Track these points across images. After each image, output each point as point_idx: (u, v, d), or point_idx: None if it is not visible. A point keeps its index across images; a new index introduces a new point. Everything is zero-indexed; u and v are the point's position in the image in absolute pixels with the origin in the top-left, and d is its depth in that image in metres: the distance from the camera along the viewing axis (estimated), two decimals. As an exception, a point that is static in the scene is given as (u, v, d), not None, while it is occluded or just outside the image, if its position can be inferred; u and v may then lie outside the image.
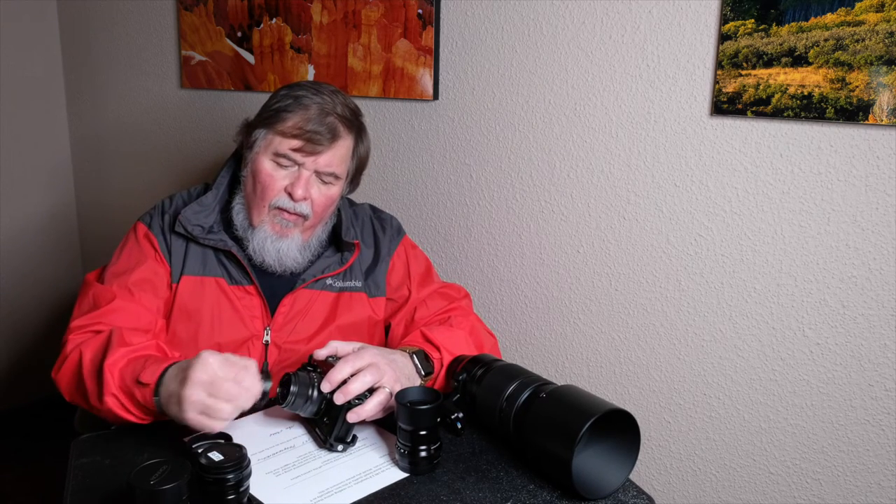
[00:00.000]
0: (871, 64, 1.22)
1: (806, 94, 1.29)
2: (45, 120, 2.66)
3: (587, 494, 1.00)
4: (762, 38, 1.32)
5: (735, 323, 1.45)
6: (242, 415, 1.11)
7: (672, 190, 1.48)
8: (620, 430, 1.03)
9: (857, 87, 1.24)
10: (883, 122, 1.23)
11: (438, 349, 1.29)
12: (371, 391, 1.13)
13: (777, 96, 1.32)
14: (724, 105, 1.38)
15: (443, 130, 1.78)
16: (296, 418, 1.21)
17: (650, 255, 1.53)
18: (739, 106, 1.36)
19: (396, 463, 1.09)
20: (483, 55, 1.67)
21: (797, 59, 1.29)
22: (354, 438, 1.14)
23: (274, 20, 1.98)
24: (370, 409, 1.11)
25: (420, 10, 1.71)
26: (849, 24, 1.24)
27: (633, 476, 1.06)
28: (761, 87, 1.33)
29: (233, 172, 1.44)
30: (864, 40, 1.23)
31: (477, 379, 1.18)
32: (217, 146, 2.26)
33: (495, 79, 1.67)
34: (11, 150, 2.59)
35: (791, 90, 1.31)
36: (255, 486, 1.01)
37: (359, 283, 1.45)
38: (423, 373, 1.25)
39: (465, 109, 1.73)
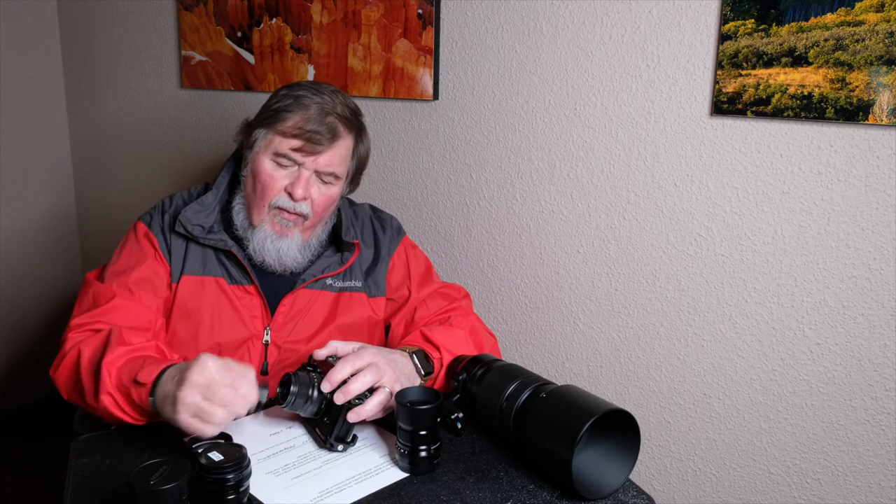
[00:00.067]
0: (871, 64, 1.22)
1: (806, 94, 1.29)
2: (45, 120, 2.66)
3: (587, 494, 1.00)
4: (762, 38, 1.32)
5: (735, 323, 1.45)
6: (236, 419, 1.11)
7: (672, 190, 1.48)
8: (620, 430, 1.03)
9: (857, 87, 1.24)
10: (883, 122, 1.23)
11: (438, 349, 1.29)
12: (371, 391, 1.13)
13: (777, 96, 1.32)
14: (724, 105, 1.38)
15: (443, 130, 1.78)
16: (296, 418, 1.21)
17: (650, 255, 1.53)
18: (739, 106, 1.36)
19: (396, 463, 1.09)
20: (483, 55, 1.67)
21: (797, 59, 1.29)
22: (354, 438, 1.14)
23: (274, 20, 1.98)
24: (370, 408, 1.11)
25: (420, 10, 1.71)
26: (849, 24, 1.24)
27: (633, 476, 1.06)
28: (761, 87, 1.33)
29: (233, 172, 1.44)
30: (864, 40, 1.22)
31: (477, 379, 1.18)
32: (217, 146, 2.25)
33: (495, 79, 1.67)
34: (11, 150, 2.59)
35: (791, 90, 1.30)
36: (255, 486, 1.01)
37: (359, 283, 1.45)
38: (423, 373, 1.25)
39: (465, 109, 1.73)
